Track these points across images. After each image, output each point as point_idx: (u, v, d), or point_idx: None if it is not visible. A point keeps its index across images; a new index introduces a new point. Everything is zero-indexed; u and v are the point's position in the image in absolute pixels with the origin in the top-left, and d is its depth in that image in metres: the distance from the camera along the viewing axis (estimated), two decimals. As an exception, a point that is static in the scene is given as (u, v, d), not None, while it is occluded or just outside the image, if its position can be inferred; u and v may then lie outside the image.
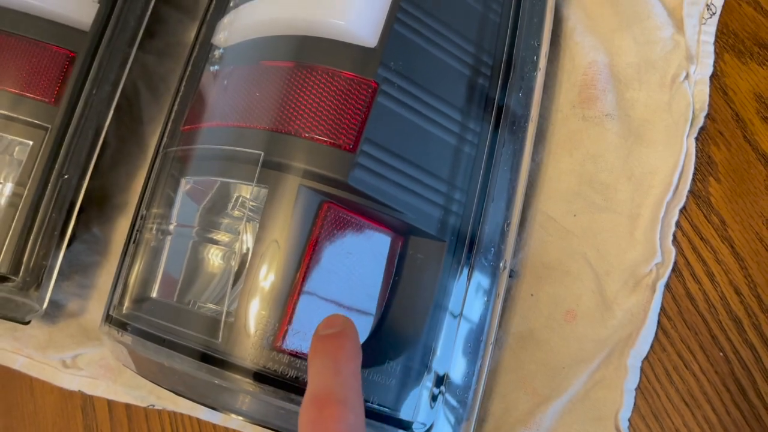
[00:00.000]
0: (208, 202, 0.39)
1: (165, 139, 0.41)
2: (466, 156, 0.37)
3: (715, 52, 0.40)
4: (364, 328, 0.35)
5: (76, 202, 0.45)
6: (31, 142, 0.44)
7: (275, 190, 0.34)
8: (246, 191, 0.39)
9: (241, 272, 0.35)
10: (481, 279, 0.36)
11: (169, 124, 0.42)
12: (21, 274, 0.43)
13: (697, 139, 0.39)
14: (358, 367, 0.28)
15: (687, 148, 0.38)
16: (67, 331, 0.46)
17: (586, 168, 0.40)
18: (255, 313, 0.33)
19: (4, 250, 0.42)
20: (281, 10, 0.37)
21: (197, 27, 0.44)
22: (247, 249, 0.36)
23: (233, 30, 0.40)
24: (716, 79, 0.40)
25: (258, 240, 0.34)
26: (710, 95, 0.39)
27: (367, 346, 0.35)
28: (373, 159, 0.34)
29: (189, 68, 0.43)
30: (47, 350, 0.46)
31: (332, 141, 0.34)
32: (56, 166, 0.44)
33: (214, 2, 0.44)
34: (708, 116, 0.39)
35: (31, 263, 0.43)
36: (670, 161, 0.38)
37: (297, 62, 0.36)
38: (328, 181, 0.34)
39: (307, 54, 0.36)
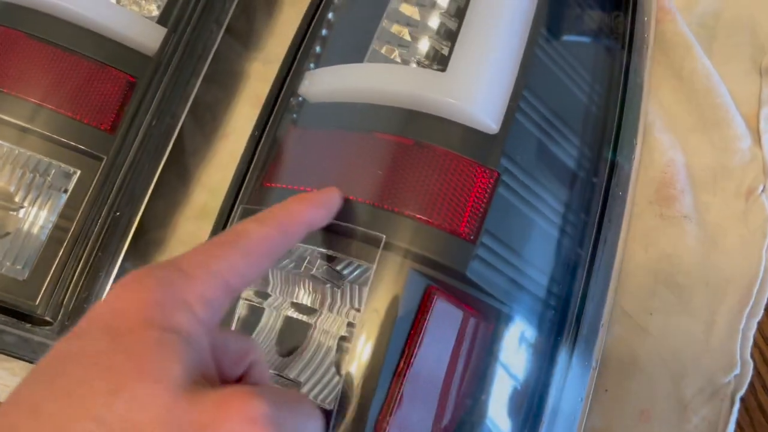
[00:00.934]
0: (288, 268, 0.37)
1: (243, 192, 0.39)
2: (571, 252, 0.36)
3: (788, 170, 0.42)
4: (456, 414, 0.34)
5: (125, 242, 0.41)
6: (79, 171, 0.40)
7: (383, 270, 0.33)
8: (333, 260, 0.37)
9: (341, 352, 0.33)
10: (574, 376, 0.36)
11: (248, 176, 0.39)
12: (60, 317, 0.39)
13: (771, 252, 0.40)
14: (304, 226, 0.29)
15: (765, 262, 0.39)
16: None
17: (662, 267, 0.41)
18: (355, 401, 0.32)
19: (43, 290, 0.38)
20: (399, 81, 0.35)
21: (280, 73, 0.41)
22: (344, 328, 0.34)
23: (331, 87, 0.38)
24: (788, 194, 0.42)
25: (361, 323, 0.32)
26: (783, 210, 0.41)
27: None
28: (490, 251, 0.33)
29: (271, 117, 0.40)
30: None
31: (452, 229, 0.33)
32: (108, 202, 0.40)
33: (302, 49, 0.41)
34: (780, 230, 0.41)
35: (71, 306, 0.39)
36: (747, 273, 0.39)
37: (416, 140, 0.34)
38: (442, 269, 0.33)
39: (427, 133, 0.34)
